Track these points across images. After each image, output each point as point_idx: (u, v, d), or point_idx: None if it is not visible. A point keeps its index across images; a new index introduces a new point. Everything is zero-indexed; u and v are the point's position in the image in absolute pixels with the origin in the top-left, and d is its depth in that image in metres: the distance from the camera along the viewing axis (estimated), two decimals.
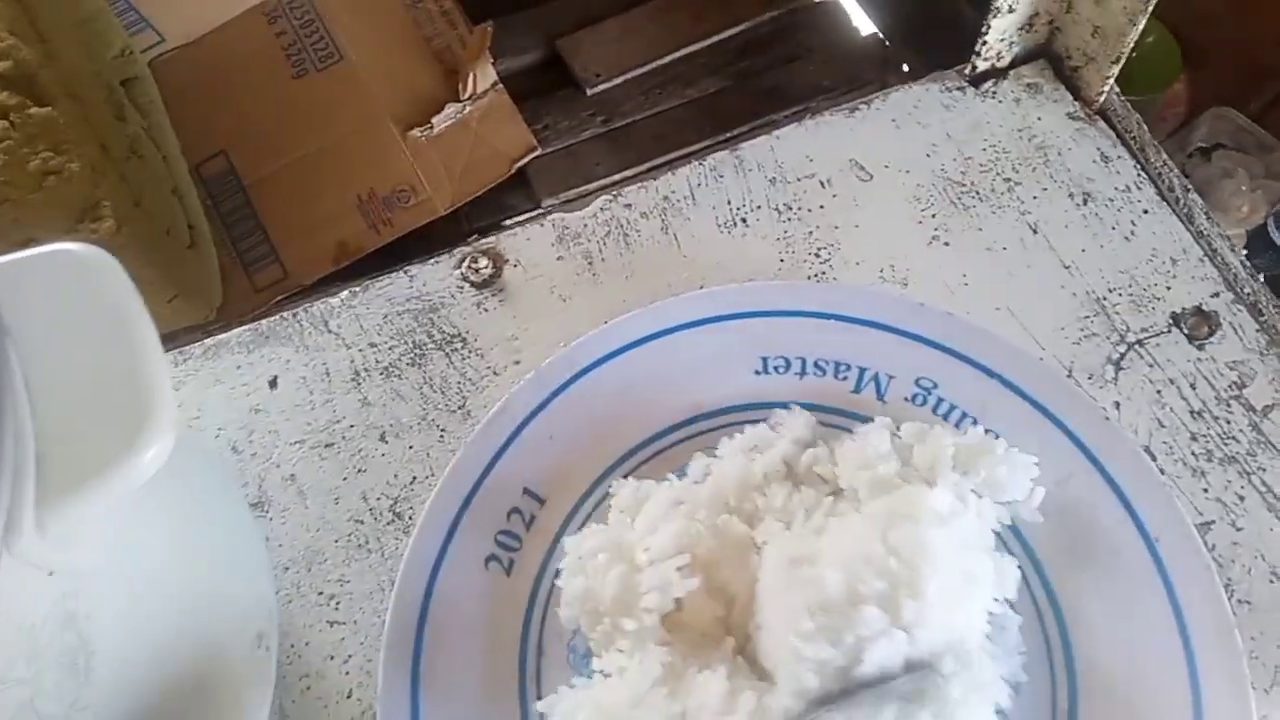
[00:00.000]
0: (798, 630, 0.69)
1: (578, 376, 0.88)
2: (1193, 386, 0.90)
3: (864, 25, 1.59)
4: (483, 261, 1.00)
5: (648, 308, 0.90)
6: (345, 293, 1.01)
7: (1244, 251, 0.96)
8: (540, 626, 0.81)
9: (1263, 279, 0.95)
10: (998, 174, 1.02)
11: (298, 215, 1.50)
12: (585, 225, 1.03)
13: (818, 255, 0.99)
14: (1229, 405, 0.89)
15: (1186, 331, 0.92)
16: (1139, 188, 1.00)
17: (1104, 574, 0.79)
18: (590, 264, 1.01)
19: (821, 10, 1.61)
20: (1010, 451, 0.80)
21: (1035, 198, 1.00)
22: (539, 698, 0.77)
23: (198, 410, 0.95)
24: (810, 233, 1.00)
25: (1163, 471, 0.86)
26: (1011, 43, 1.06)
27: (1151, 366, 0.91)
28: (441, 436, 0.93)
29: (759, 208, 1.02)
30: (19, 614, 0.47)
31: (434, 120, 1.49)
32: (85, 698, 0.55)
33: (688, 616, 0.76)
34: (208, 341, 0.99)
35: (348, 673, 0.84)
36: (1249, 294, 0.94)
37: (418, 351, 0.97)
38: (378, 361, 0.97)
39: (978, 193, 1.01)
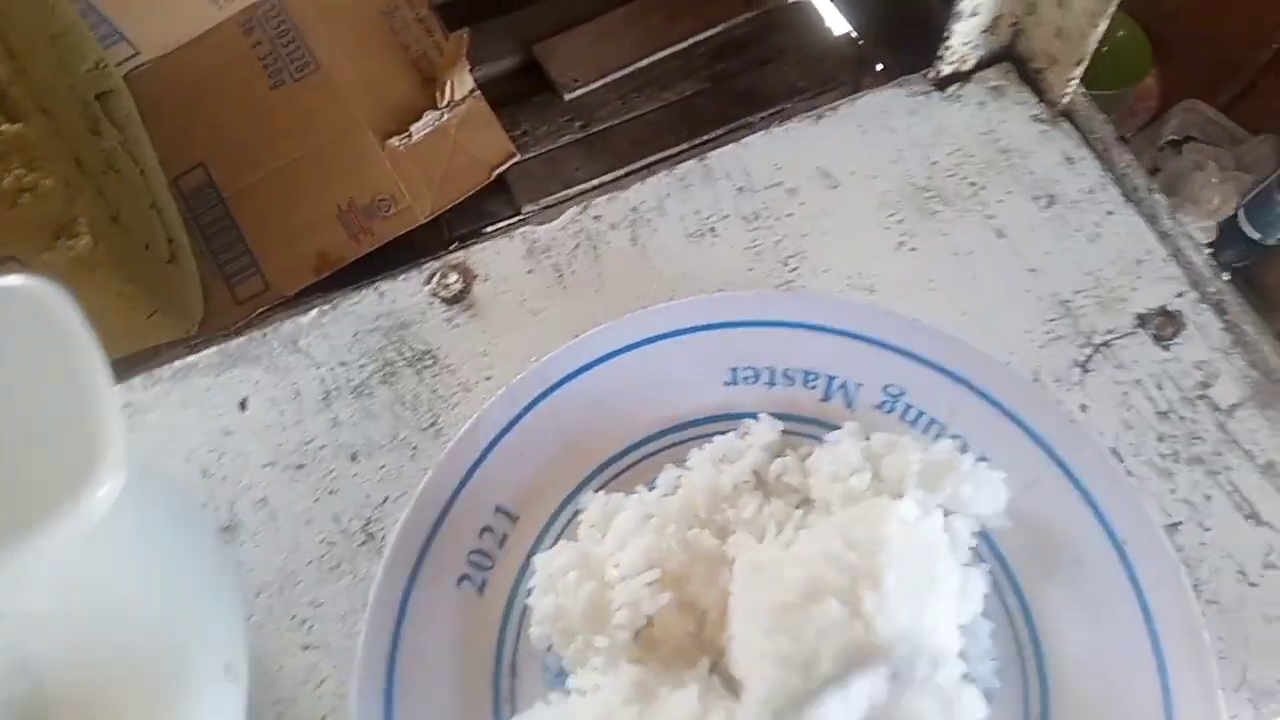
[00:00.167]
0: (758, 627, 0.69)
1: (547, 392, 0.88)
2: (1159, 387, 0.91)
3: (838, 25, 1.59)
4: (452, 277, 1.00)
5: (615, 322, 0.90)
6: (314, 311, 1.01)
7: (1209, 251, 0.96)
8: (514, 645, 0.81)
9: (1227, 278, 0.95)
10: (963, 178, 1.02)
11: (278, 226, 1.50)
12: (554, 238, 1.03)
13: (786, 264, 0.99)
14: (1195, 405, 0.90)
15: (1152, 332, 0.93)
16: (1103, 189, 1.01)
17: (1073, 578, 0.79)
18: (560, 277, 1.01)
19: (795, 11, 1.61)
20: (977, 467, 0.80)
21: (1000, 201, 1.01)
22: (513, 717, 0.77)
23: (167, 434, 0.95)
24: (778, 241, 1.00)
25: (1130, 473, 0.87)
26: (975, 46, 1.06)
27: (1118, 368, 0.92)
28: (413, 455, 0.93)
29: (727, 217, 1.02)
30: None
31: (412, 128, 1.48)
32: None
33: (660, 633, 0.76)
34: (176, 364, 0.98)
35: (321, 698, 0.84)
36: (1213, 293, 0.95)
37: (388, 369, 0.97)
38: (348, 380, 0.97)
39: (943, 197, 1.01)
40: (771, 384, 0.89)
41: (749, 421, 0.86)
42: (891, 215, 1.00)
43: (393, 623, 0.79)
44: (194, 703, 0.66)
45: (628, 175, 1.40)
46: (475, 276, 1.01)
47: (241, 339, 1.00)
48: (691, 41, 1.59)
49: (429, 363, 0.97)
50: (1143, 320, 0.93)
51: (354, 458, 0.93)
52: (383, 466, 0.92)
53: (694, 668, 0.74)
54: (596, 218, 1.04)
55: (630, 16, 1.63)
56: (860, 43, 1.56)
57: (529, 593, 0.80)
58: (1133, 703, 0.75)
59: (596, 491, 0.85)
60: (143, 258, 1.35)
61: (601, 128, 1.55)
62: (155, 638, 0.65)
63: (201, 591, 0.72)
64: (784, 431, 0.86)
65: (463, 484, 0.85)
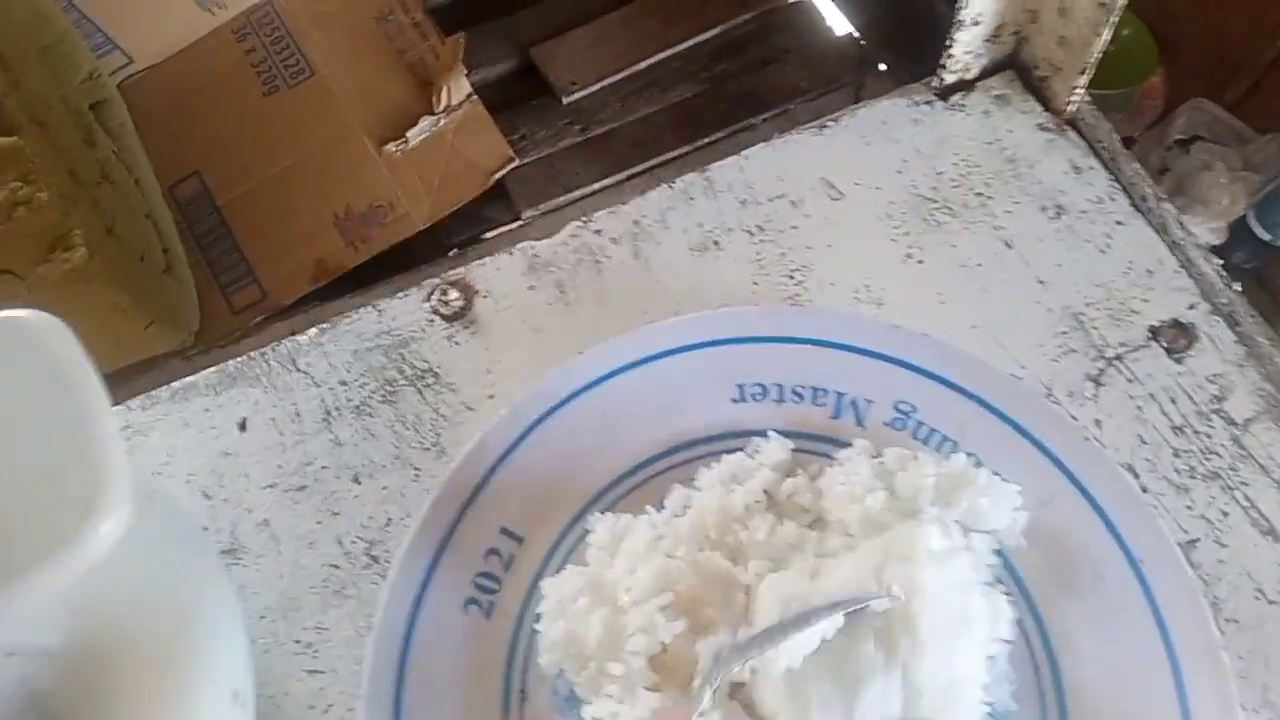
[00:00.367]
0: (793, 666, 0.69)
1: (552, 411, 0.87)
2: (1173, 401, 0.89)
3: (839, 25, 1.58)
4: (452, 294, 0.99)
5: (620, 338, 0.89)
6: (313, 330, 1.00)
7: (1219, 261, 0.95)
8: (523, 670, 0.80)
9: (1238, 289, 0.94)
10: (969, 188, 1.01)
11: (274, 235, 1.49)
12: (555, 253, 1.02)
13: (791, 277, 0.98)
14: (1210, 419, 0.89)
15: (1165, 345, 0.92)
16: (1112, 199, 1.00)
17: (1090, 597, 0.78)
18: (562, 293, 1.00)
19: (795, 11, 1.59)
20: (993, 481, 0.79)
21: (1008, 211, 1.00)
22: None
23: (167, 456, 0.93)
24: (783, 254, 0.99)
25: (1146, 489, 0.86)
26: (978, 54, 1.05)
27: (1131, 382, 0.91)
28: (416, 476, 0.92)
29: (730, 230, 1.01)
30: None
31: (409, 134, 1.47)
32: None
33: (674, 658, 0.75)
34: (175, 385, 0.97)
35: None
36: (1225, 304, 0.94)
37: (389, 388, 0.96)
38: (349, 400, 0.96)
39: (950, 208, 1.00)
40: (780, 401, 0.88)
41: (758, 440, 0.85)
42: (897, 227, 0.99)
43: (399, 648, 0.78)
44: None
45: (629, 179, 1.39)
46: (476, 293, 1.00)
47: (240, 359, 0.99)
48: (691, 43, 1.58)
49: (430, 381, 0.96)
50: (1155, 333, 0.92)
51: (356, 479, 0.92)
52: (385, 487, 0.91)
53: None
54: (598, 231, 1.03)
55: (628, 18, 1.62)
56: (862, 43, 1.55)
57: (537, 618, 0.78)
58: (1150, 717, 0.74)
59: (604, 513, 0.83)
60: (138, 269, 1.34)
61: (601, 131, 1.54)
62: (162, 667, 0.65)
63: (206, 618, 0.72)
64: (793, 450, 0.85)
65: (466, 506, 0.83)
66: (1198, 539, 0.84)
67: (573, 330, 0.97)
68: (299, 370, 0.97)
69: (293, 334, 1.00)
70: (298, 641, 0.86)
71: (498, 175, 1.46)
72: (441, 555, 0.82)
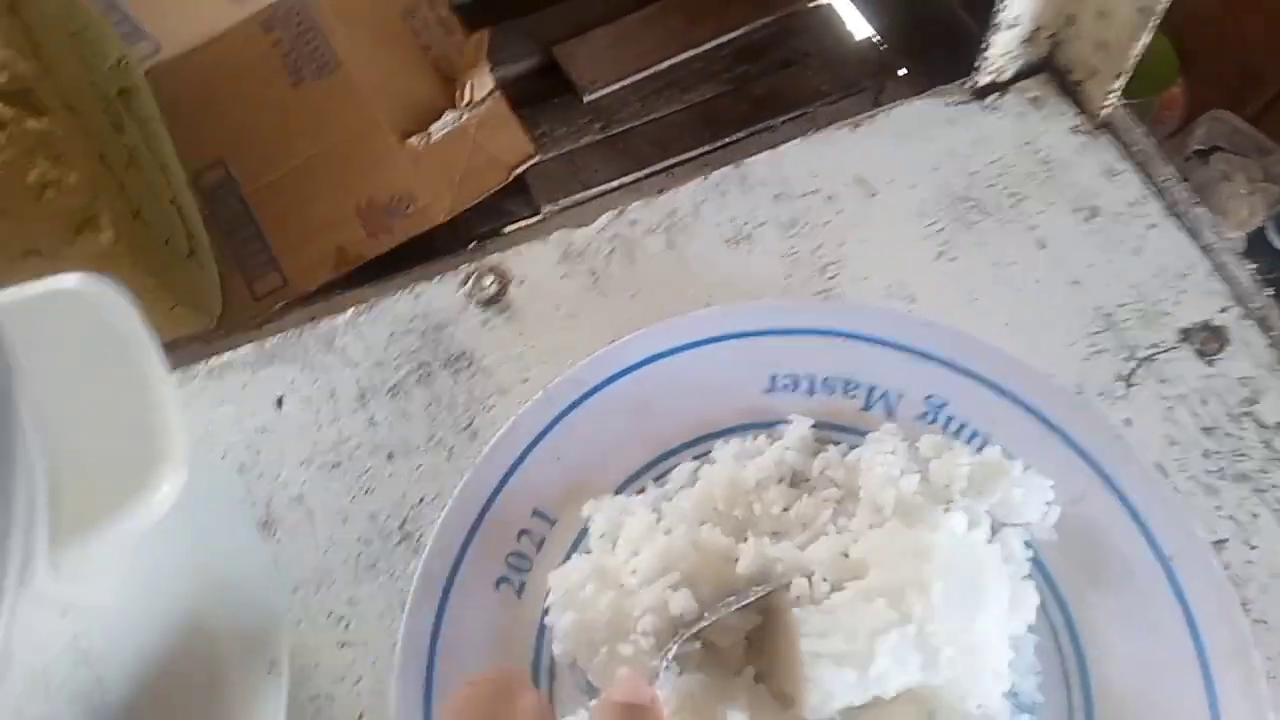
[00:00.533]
0: (808, 632, 0.70)
1: (585, 397, 0.88)
2: (1204, 403, 0.90)
3: (860, 29, 1.58)
4: (488, 279, 1.00)
5: (654, 327, 0.90)
6: (350, 311, 1.01)
7: (1251, 265, 0.95)
8: (552, 649, 0.80)
9: (1270, 293, 0.95)
10: (1003, 188, 1.01)
11: (296, 224, 1.50)
12: (590, 243, 1.03)
13: (824, 272, 0.98)
14: (1240, 421, 0.89)
15: (1196, 347, 0.92)
16: (1145, 202, 1.00)
17: (1118, 593, 0.79)
18: (596, 281, 1.01)
19: (817, 15, 1.60)
20: (1026, 474, 0.80)
21: (1042, 212, 1.00)
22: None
23: (204, 431, 0.95)
24: (816, 249, 1.00)
25: (1175, 489, 0.86)
26: (1014, 56, 1.05)
27: (1162, 382, 0.91)
28: (449, 456, 0.92)
29: (764, 224, 1.02)
30: (32, 656, 0.46)
31: (432, 128, 1.48)
32: None
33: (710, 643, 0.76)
34: (213, 361, 0.99)
35: (359, 695, 0.83)
36: (1258, 308, 0.94)
37: (424, 371, 0.97)
38: (384, 381, 0.97)
39: (984, 208, 1.01)
40: (811, 392, 0.88)
41: (782, 425, 0.86)
42: (931, 225, 1.00)
43: (431, 624, 0.79)
44: (241, 697, 0.67)
45: (648, 177, 1.40)
46: (511, 279, 1.01)
47: (277, 338, 1.00)
48: (713, 44, 1.59)
49: (465, 365, 0.97)
50: (1187, 335, 0.93)
51: (390, 457, 0.93)
52: (419, 467, 0.92)
53: (739, 676, 0.74)
54: (632, 222, 1.04)
55: (651, 19, 1.63)
56: (882, 47, 1.56)
57: (546, 610, 0.79)
58: (1179, 716, 0.74)
59: (615, 495, 0.85)
60: (163, 252, 1.35)
61: (621, 129, 1.55)
62: (204, 633, 0.66)
63: (246, 588, 0.72)
64: (821, 440, 0.85)
65: (500, 487, 0.84)
66: (1226, 539, 0.84)
67: (605, 318, 0.98)
68: (335, 351, 0.99)
69: (329, 315, 1.01)
70: (330, 614, 0.87)
71: (518, 170, 1.46)
72: (474, 534, 0.83)
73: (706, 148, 1.49)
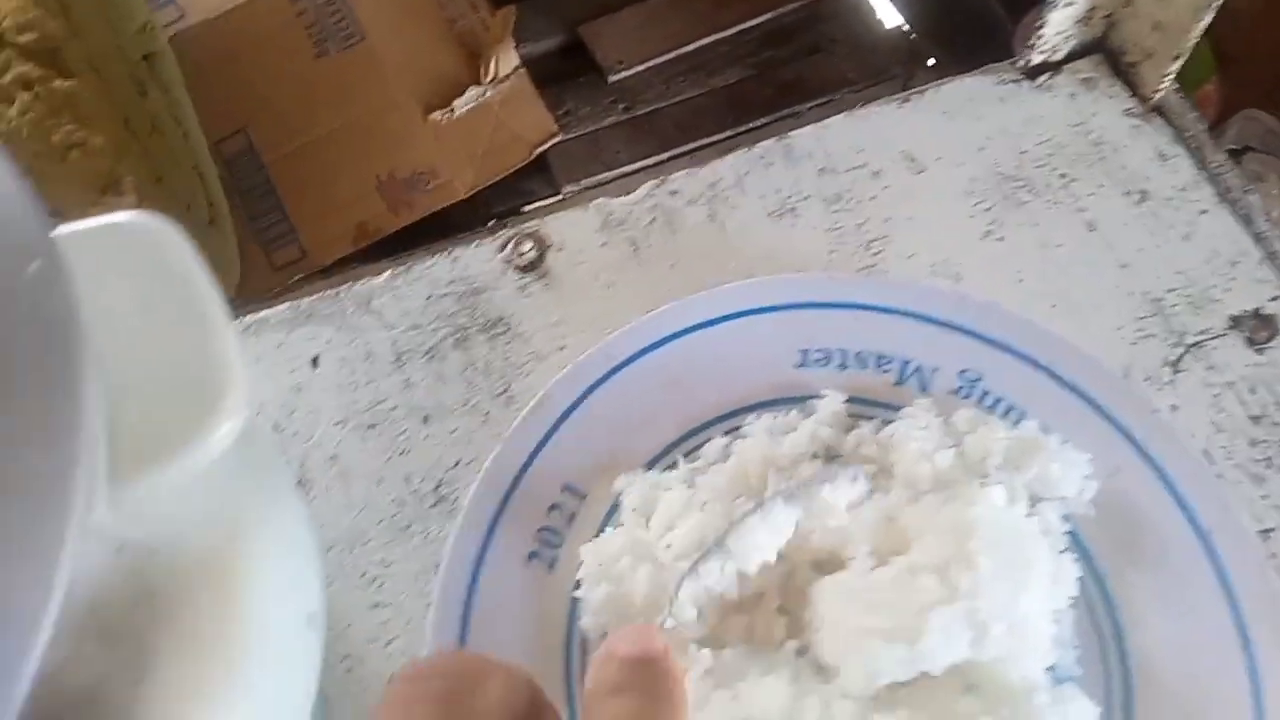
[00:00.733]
0: (854, 606, 0.70)
1: (615, 370, 0.87)
2: (1252, 391, 0.89)
3: (889, 17, 1.58)
4: (526, 245, 0.99)
5: (683, 300, 0.89)
6: (387, 273, 1.00)
7: None
8: (581, 623, 0.79)
9: None
10: (1053, 169, 1.00)
11: (317, 195, 1.50)
12: (630, 212, 1.02)
13: (868, 248, 0.97)
14: None
15: (1246, 335, 0.91)
16: (1197, 187, 0.99)
17: (1156, 568, 0.78)
18: (636, 250, 1.00)
19: (846, 1, 1.59)
20: (1064, 448, 0.79)
21: (1091, 194, 0.99)
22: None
23: None
24: (861, 224, 0.99)
25: (1221, 476, 0.85)
26: (1068, 36, 1.04)
27: (1209, 369, 0.90)
28: (485, 420, 0.92)
29: (808, 198, 1.01)
30: (89, 591, 0.45)
31: (455, 103, 1.48)
32: (150, 675, 0.54)
33: (749, 617, 0.75)
34: (248, 319, 0.98)
35: (390, 656, 0.83)
36: None
37: (460, 335, 0.96)
38: (420, 344, 0.96)
39: (1033, 188, 0.99)
40: (844, 366, 0.87)
41: (814, 401, 0.85)
42: (979, 203, 0.99)
43: (463, 597, 0.79)
44: (281, 648, 0.67)
45: (670, 160, 1.40)
46: (549, 246, 1.00)
47: (313, 297, 1.00)
48: (740, 28, 1.58)
49: (501, 330, 0.96)
50: (1236, 322, 0.92)
51: (426, 420, 0.92)
52: (454, 430, 0.92)
53: (780, 650, 0.73)
54: (673, 193, 1.03)
55: (677, 1, 1.62)
56: (912, 36, 1.55)
57: (577, 584, 0.79)
58: (1219, 693, 0.73)
59: (647, 470, 0.84)
60: (183, 219, 1.33)
61: (645, 111, 1.55)
62: (246, 580, 0.65)
63: (285, 540, 0.72)
64: (854, 415, 0.85)
65: (530, 461, 0.84)
66: (1272, 529, 0.83)
67: (644, 288, 0.97)
68: (371, 312, 0.98)
69: (365, 277, 1.01)
70: (363, 575, 0.86)
71: (540, 149, 1.46)
72: (504, 509, 0.82)
73: (729, 132, 1.48)
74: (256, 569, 0.66)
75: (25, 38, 1.24)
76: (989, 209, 0.98)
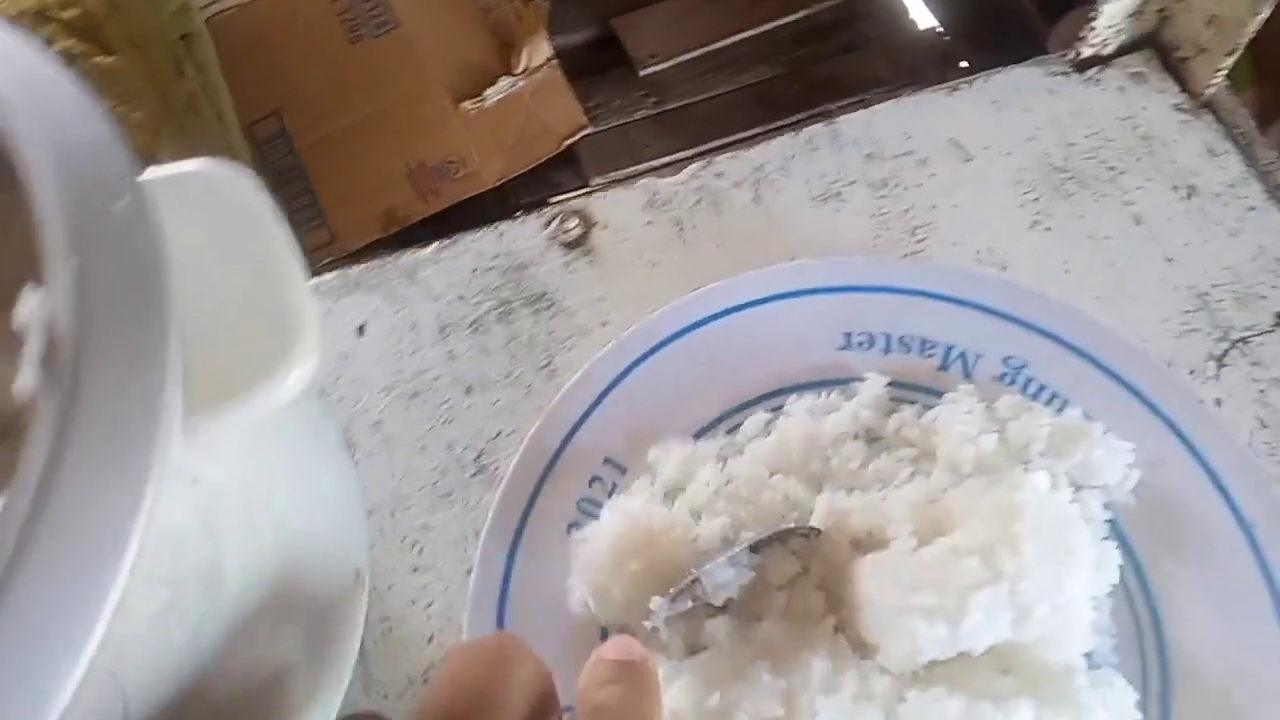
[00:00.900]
0: (897, 585, 0.70)
1: (658, 347, 0.88)
2: None
3: (923, 18, 1.58)
4: (572, 222, 1.00)
5: (728, 280, 0.90)
6: (434, 245, 1.01)
7: None
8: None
9: None
10: (1101, 162, 1.00)
11: (347, 180, 1.50)
12: (676, 192, 1.02)
13: (913, 234, 0.97)
14: None
15: None
16: (1245, 184, 0.98)
17: (1197, 559, 0.78)
18: (680, 230, 1.00)
19: (879, 1, 1.59)
20: (1107, 437, 0.79)
21: (1139, 188, 0.98)
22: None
23: None
24: (906, 211, 0.99)
25: (1265, 474, 0.84)
26: (1119, 30, 1.03)
27: (1255, 365, 0.89)
28: (528, 393, 0.93)
29: (854, 183, 1.01)
30: (166, 518, 0.46)
31: (486, 93, 1.48)
32: (214, 611, 0.56)
33: (788, 593, 0.76)
34: (311, 293, 0.97)
35: (429, 618, 0.84)
36: None
37: (505, 308, 0.97)
38: (464, 316, 0.97)
39: (1080, 180, 0.99)
40: (887, 350, 0.88)
41: (856, 384, 0.85)
42: (1026, 193, 0.99)
43: (503, 565, 0.79)
44: (329, 601, 0.69)
45: (697, 156, 1.40)
46: (595, 224, 1.01)
47: (361, 266, 1.01)
48: (773, 25, 1.58)
49: (545, 305, 0.97)
50: None
51: (469, 390, 0.93)
52: (497, 402, 0.93)
53: (819, 625, 0.73)
54: (719, 175, 1.03)
55: None
56: (946, 38, 1.55)
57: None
58: (1260, 687, 0.73)
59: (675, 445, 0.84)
60: None
61: (675, 106, 1.55)
62: (304, 530, 0.67)
63: (337, 498, 0.74)
64: (896, 399, 0.85)
65: (572, 433, 0.84)
66: None
67: (688, 267, 0.97)
68: (417, 283, 0.99)
69: (412, 248, 1.02)
70: (404, 539, 0.88)
71: (570, 141, 1.46)
72: (546, 478, 0.83)
73: (759, 129, 1.48)
74: (309, 519, 0.68)
75: (69, 13, 1.25)
76: (1036, 199, 0.98)
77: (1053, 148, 1.01)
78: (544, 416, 0.84)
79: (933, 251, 0.97)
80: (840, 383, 0.86)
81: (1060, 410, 0.82)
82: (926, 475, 0.79)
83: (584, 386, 0.86)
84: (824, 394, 0.85)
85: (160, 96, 1.33)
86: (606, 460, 0.84)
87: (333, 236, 1.48)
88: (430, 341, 0.96)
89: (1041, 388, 0.84)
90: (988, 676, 0.69)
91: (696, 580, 0.73)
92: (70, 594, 0.39)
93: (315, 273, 1.01)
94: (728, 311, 0.89)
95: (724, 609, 0.75)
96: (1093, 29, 1.02)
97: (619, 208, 1.02)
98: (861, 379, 0.85)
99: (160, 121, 1.30)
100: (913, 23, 1.56)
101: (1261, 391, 0.88)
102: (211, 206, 0.56)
